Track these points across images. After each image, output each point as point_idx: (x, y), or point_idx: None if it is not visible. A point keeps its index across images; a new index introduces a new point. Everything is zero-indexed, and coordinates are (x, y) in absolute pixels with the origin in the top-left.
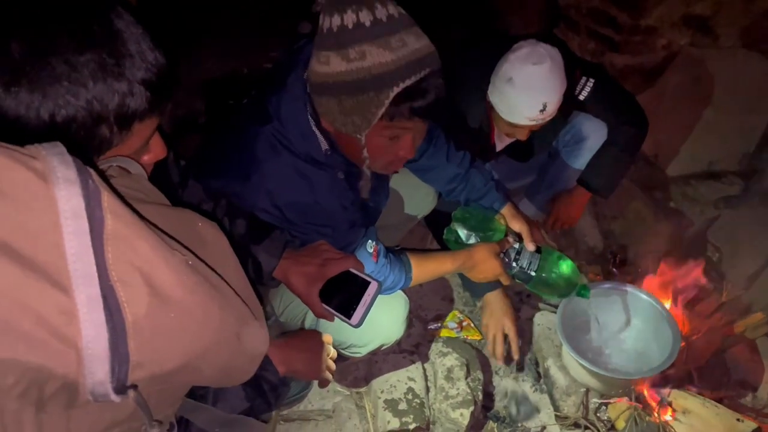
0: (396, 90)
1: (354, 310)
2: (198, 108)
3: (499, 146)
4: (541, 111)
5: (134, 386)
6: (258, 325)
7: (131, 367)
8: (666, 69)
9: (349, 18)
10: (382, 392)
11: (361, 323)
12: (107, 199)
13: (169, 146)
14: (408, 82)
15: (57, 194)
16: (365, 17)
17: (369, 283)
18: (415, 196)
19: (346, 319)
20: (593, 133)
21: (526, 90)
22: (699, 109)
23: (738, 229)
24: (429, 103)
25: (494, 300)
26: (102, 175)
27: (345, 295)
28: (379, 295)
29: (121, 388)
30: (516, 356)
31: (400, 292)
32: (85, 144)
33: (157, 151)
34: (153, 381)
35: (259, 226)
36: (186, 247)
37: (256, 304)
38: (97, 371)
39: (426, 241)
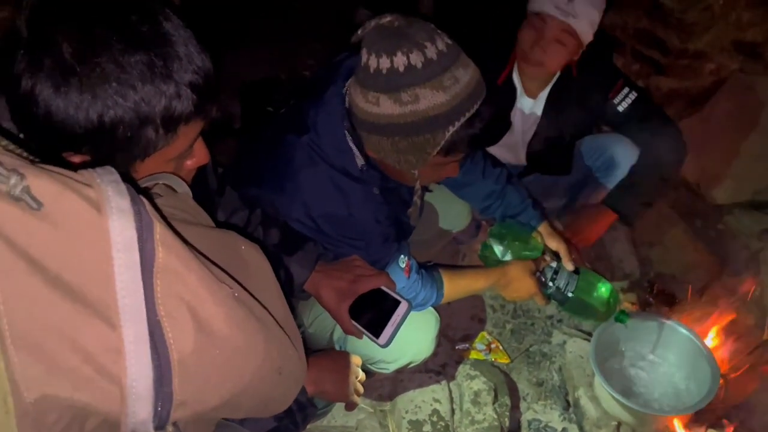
0: (451, 130)
1: (383, 329)
2: (234, 112)
3: (519, 115)
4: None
5: (174, 423)
6: (297, 357)
7: (174, 407)
8: (713, 94)
9: (400, 61)
10: (406, 412)
11: (389, 343)
12: (159, 231)
13: (210, 152)
14: (462, 120)
15: (110, 225)
16: (416, 59)
17: (399, 302)
18: (450, 212)
19: (374, 338)
20: (625, 160)
21: None
22: (745, 136)
23: None
24: (481, 132)
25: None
26: (148, 195)
27: (374, 314)
28: (410, 312)
29: (161, 426)
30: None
31: (431, 309)
32: (131, 145)
33: (200, 156)
34: (193, 417)
35: (292, 237)
36: (229, 274)
37: (296, 332)
38: (140, 411)
39: (457, 257)
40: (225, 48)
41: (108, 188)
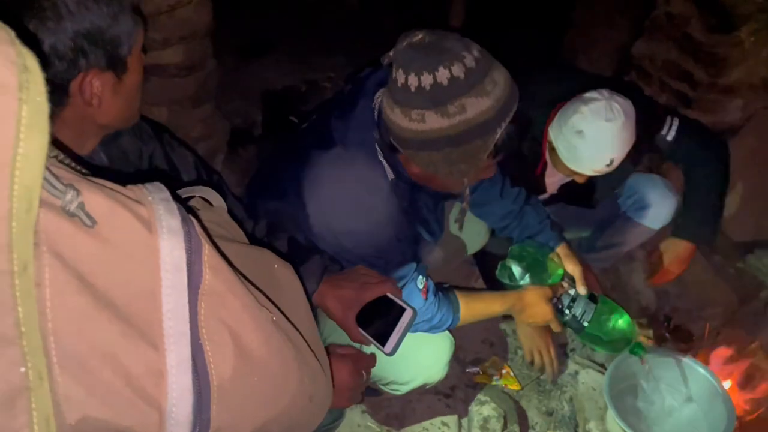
0: (500, 131)
1: (388, 338)
2: (255, 119)
3: (551, 185)
4: (607, 165)
5: None
6: (326, 382)
7: None
8: (739, 131)
9: (443, 75)
10: None
11: (395, 352)
12: (208, 252)
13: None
14: (508, 119)
15: (161, 245)
16: (458, 71)
17: (404, 310)
18: (468, 231)
19: (380, 347)
20: (658, 202)
21: (595, 145)
22: None
23: None
24: (521, 128)
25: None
26: (195, 214)
27: (381, 322)
28: (425, 333)
29: None
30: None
31: (446, 332)
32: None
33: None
34: None
35: (298, 250)
36: (263, 293)
37: (324, 354)
38: None
39: (471, 279)
40: (249, 57)
41: (159, 207)
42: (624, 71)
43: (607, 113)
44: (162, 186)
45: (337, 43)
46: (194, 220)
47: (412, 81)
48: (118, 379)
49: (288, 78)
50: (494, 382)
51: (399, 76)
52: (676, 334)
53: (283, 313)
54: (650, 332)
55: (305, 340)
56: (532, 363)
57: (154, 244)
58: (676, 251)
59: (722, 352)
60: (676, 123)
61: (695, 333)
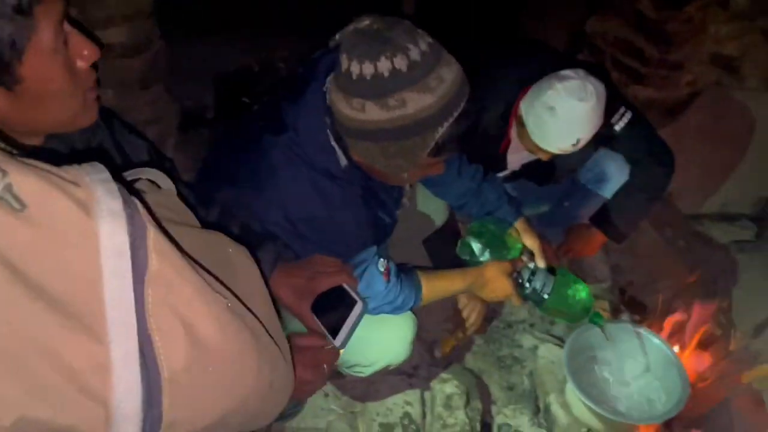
0: (440, 130)
1: (339, 330)
2: (206, 101)
3: (513, 162)
4: (573, 145)
5: None
6: (287, 368)
7: (163, 428)
8: (689, 106)
9: (384, 66)
10: (377, 415)
11: (345, 345)
12: (153, 236)
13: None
14: (450, 119)
15: (100, 229)
16: (401, 63)
17: (356, 302)
18: (427, 209)
19: (332, 339)
20: (617, 174)
21: (564, 123)
22: (718, 148)
23: (749, 275)
24: (469, 129)
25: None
26: (139, 195)
27: (334, 313)
28: (388, 315)
29: None
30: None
31: (409, 313)
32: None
33: (86, 48)
34: None
35: (251, 237)
36: (216, 277)
37: (284, 340)
38: None
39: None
40: (197, 35)
41: (98, 188)
42: (577, 49)
43: (580, 93)
44: (101, 167)
45: (290, 22)
46: (137, 202)
47: (355, 68)
48: (58, 376)
49: (240, 58)
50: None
51: (343, 61)
52: (631, 306)
53: (239, 299)
54: (606, 305)
55: (263, 326)
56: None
57: (92, 228)
58: (589, 238)
59: (674, 320)
60: (628, 116)
61: (649, 304)
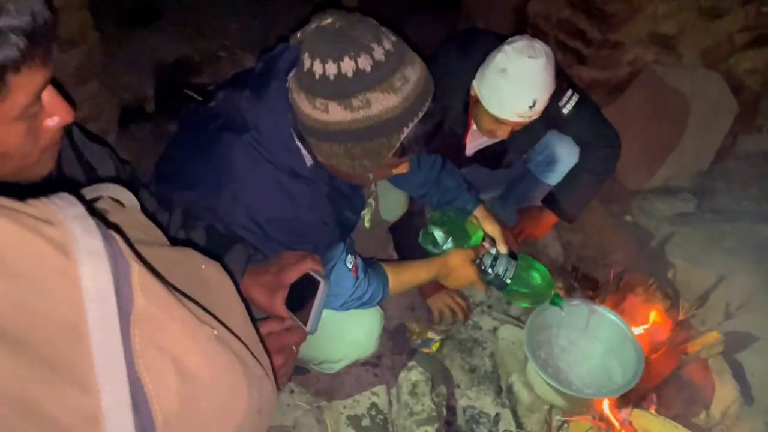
0: (406, 131)
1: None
2: (146, 94)
3: (470, 149)
4: (531, 107)
5: None
6: (272, 389)
7: None
8: (630, 84)
9: (348, 66)
10: (344, 407)
11: (316, 328)
12: (137, 274)
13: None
14: (416, 120)
15: (81, 271)
16: (365, 63)
17: (319, 283)
18: (388, 201)
19: (304, 327)
20: (566, 157)
21: (518, 83)
22: (659, 125)
23: (692, 245)
24: (434, 129)
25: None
26: (120, 233)
27: (305, 301)
28: (356, 310)
29: None
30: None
31: (376, 306)
32: None
33: (60, 111)
34: None
35: (218, 239)
36: (196, 302)
37: (265, 356)
38: None
39: (388, 247)
40: (135, 26)
41: (74, 226)
42: (521, 31)
43: (529, 51)
44: (73, 199)
45: (228, 9)
46: (117, 237)
47: (317, 68)
48: None
49: (179, 48)
50: (430, 335)
51: (305, 60)
52: (584, 283)
53: (219, 321)
54: (560, 283)
55: (246, 346)
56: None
57: (72, 270)
58: (542, 219)
59: (626, 295)
60: (575, 99)
61: (601, 279)
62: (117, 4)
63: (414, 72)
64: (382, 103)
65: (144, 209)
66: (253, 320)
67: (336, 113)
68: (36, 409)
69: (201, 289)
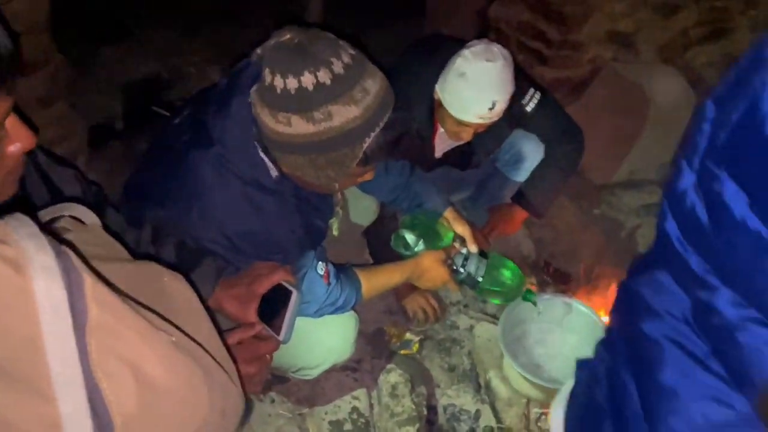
0: (368, 140)
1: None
2: (116, 113)
3: (439, 151)
4: (490, 109)
5: None
6: (237, 392)
7: None
8: (591, 82)
9: (308, 80)
10: (326, 413)
11: (289, 337)
12: (91, 286)
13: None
14: (377, 129)
15: (35, 286)
16: (324, 77)
17: (291, 293)
18: (359, 207)
19: (277, 337)
20: (532, 154)
21: (477, 86)
22: (621, 120)
23: None
24: (397, 137)
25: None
26: (75, 250)
27: (276, 311)
28: (331, 315)
29: None
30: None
31: (350, 311)
32: None
33: (21, 137)
34: None
35: (188, 255)
36: (155, 312)
37: (230, 363)
38: None
39: (365, 252)
40: (102, 45)
41: (28, 244)
42: (484, 35)
43: (487, 54)
44: (26, 219)
45: (195, 26)
46: (70, 253)
47: (278, 83)
48: None
49: (148, 65)
50: (408, 337)
51: (266, 75)
52: (556, 277)
53: (180, 330)
54: (533, 278)
55: (209, 353)
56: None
57: (27, 286)
58: (511, 217)
59: (597, 289)
60: (537, 96)
61: (572, 273)
62: (82, 23)
63: (374, 84)
64: (343, 114)
65: (110, 228)
66: (220, 330)
67: (298, 126)
68: (0, 417)
69: (162, 299)
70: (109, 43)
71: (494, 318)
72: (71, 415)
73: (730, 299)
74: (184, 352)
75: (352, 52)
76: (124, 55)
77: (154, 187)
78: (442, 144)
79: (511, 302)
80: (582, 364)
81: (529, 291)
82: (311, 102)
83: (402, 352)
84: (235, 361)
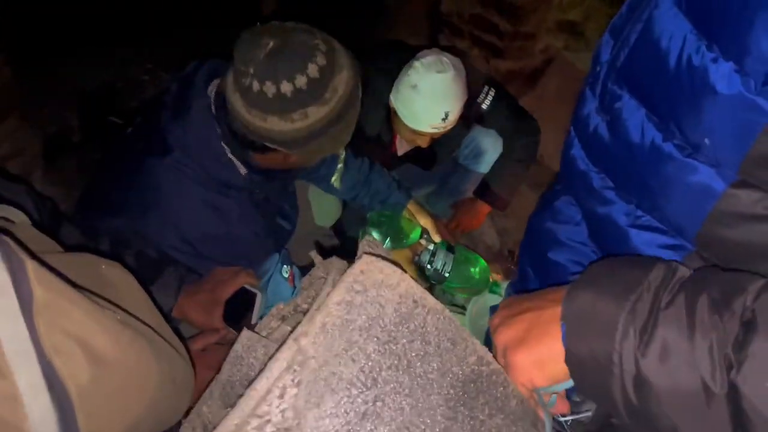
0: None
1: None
2: (71, 124)
3: (401, 151)
4: (443, 119)
5: None
6: (184, 362)
7: None
8: (544, 72)
9: (313, 69)
10: None
11: None
12: (32, 268)
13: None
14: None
15: None
16: (322, 60)
17: (255, 296)
18: (322, 207)
19: None
20: (492, 147)
21: (429, 97)
22: (573, 109)
23: None
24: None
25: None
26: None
27: (241, 315)
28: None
29: None
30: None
31: None
32: None
33: None
34: None
35: (148, 265)
36: (98, 294)
37: (175, 338)
38: None
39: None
40: (51, 55)
41: None
42: (440, 31)
43: (438, 66)
44: None
45: (143, 31)
46: (8, 239)
47: (286, 88)
48: None
49: (101, 74)
50: None
51: (268, 88)
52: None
53: (124, 309)
54: (498, 268)
55: (154, 330)
56: None
57: None
58: (475, 210)
59: None
60: (492, 93)
61: None
62: (27, 36)
63: (346, 55)
64: (345, 84)
65: (64, 243)
66: (168, 319)
67: (315, 113)
68: None
69: (102, 285)
70: (60, 55)
71: (463, 309)
72: (28, 388)
73: (624, 210)
74: (129, 327)
75: (325, 49)
76: (76, 66)
77: (110, 197)
78: (403, 146)
79: (479, 295)
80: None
81: (495, 283)
82: (323, 87)
83: None
84: (184, 343)
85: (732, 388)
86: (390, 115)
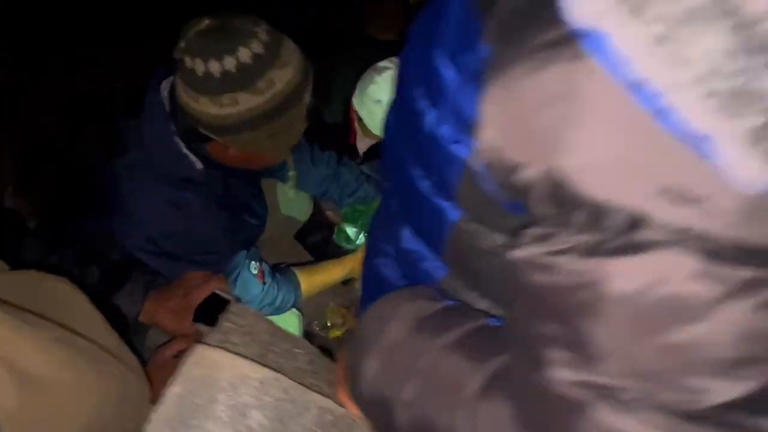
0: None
1: None
2: (51, 132)
3: (360, 147)
4: None
5: None
6: (135, 377)
7: None
8: None
9: (244, 54)
10: None
11: None
12: None
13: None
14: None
15: None
16: (258, 48)
17: (228, 302)
18: (293, 204)
19: None
20: None
21: None
22: None
23: None
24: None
25: None
26: None
27: (213, 321)
28: (272, 316)
29: None
30: None
31: (293, 309)
32: None
33: None
34: None
35: (114, 271)
36: (40, 315)
37: (127, 353)
38: None
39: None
40: (33, 61)
41: None
42: (407, 21)
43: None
44: None
45: (143, 32)
46: None
47: (214, 67)
48: None
49: (81, 80)
50: (343, 332)
51: (197, 65)
52: None
53: (66, 328)
54: None
55: (99, 346)
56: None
57: None
58: None
59: None
60: None
61: None
62: (27, 36)
63: (291, 46)
64: (283, 79)
65: (31, 252)
66: (122, 331)
67: (246, 101)
68: None
69: (46, 301)
70: (38, 61)
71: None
72: None
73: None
74: (67, 345)
75: (267, 39)
76: (53, 73)
77: (72, 205)
78: (363, 143)
79: None
80: None
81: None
82: (254, 73)
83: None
84: (141, 356)
85: None
86: (349, 111)
